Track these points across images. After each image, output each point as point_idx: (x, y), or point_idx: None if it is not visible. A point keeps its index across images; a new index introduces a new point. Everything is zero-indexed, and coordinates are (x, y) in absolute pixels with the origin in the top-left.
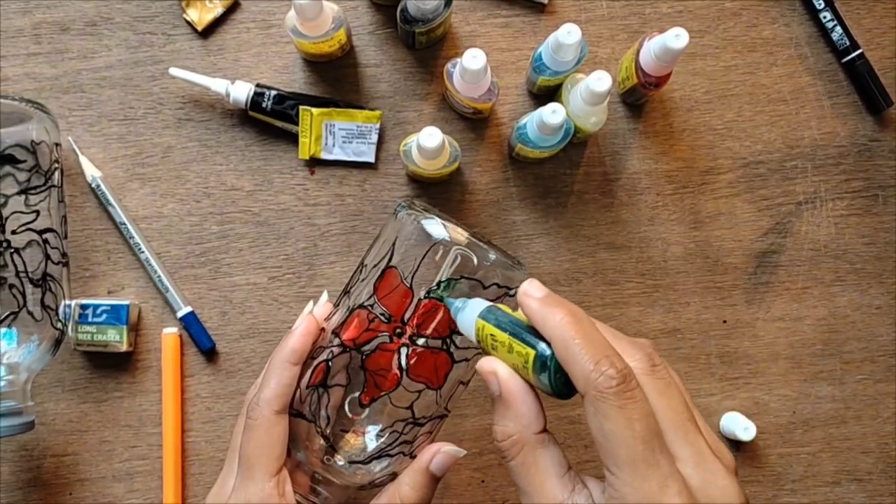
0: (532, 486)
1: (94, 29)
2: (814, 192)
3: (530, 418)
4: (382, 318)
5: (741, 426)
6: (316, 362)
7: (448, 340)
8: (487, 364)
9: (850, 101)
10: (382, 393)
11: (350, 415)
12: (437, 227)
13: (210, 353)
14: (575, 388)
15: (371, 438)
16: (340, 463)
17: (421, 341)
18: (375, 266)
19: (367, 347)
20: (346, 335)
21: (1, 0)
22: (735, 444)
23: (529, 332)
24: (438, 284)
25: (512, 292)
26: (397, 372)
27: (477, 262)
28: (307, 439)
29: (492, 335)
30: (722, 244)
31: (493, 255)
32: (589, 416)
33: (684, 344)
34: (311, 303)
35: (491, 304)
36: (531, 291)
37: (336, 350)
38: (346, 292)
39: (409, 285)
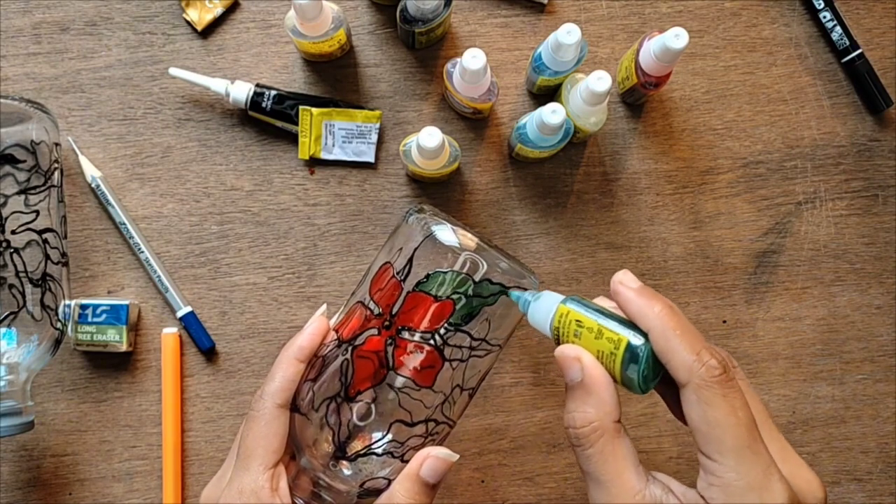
0: (609, 475)
1: (94, 29)
2: (814, 192)
3: (612, 406)
4: (373, 312)
5: None
6: (314, 359)
7: (437, 337)
8: (571, 350)
9: (850, 101)
10: (368, 386)
11: (358, 421)
12: (447, 233)
13: (210, 353)
14: (653, 383)
15: (376, 445)
16: (347, 472)
17: (408, 335)
18: (378, 266)
19: (357, 341)
20: (341, 330)
21: (1, 0)
22: None
23: (618, 321)
24: (427, 277)
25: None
26: (384, 365)
27: (487, 269)
28: (312, 444)
29: (577, 321)
30: (722, 244)
31: (503, 264)
32: (690, 405)
33: None
34: (324, 305)
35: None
36: (627, 282)
37: (331, 345)
38: (352, 295)
39: (399, 279)
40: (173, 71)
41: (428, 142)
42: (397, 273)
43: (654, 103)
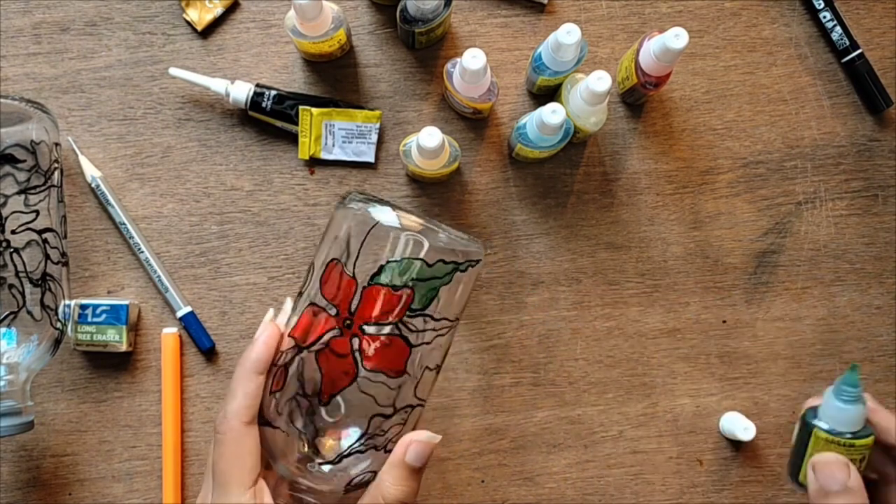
0: None
1: (94, 29)
2: (814, 192)
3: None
4: (330, 312)
5: (741, 426)
6: (275, 369)
7: (400, 325)
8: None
9: (850, 101)
10: (341, 388)
11: (328, 418)
12: (386, 214)
13: (210, 353)
14: None
15: (351, 440)
16: (325, 469)
17: (371, 329)
18: (323, 263)
19: (318, 344)
20: (299, 335)
21: (1, 0)
22: (735, 444)
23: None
24: (380, 269)
25: (463, 267)
26: (353, 364)
27: (429, 246)
28: (285, 450)
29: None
30: (722, 244)
31: (444, 236)
32: None
33: (684, 344)
34: (271, 310)
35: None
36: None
37: (291, 353)
38: (299, 294)
39: (352, 275)
40: (173, 71)
41: (428, 142)
42: (347, 267)
43: (654, 103)
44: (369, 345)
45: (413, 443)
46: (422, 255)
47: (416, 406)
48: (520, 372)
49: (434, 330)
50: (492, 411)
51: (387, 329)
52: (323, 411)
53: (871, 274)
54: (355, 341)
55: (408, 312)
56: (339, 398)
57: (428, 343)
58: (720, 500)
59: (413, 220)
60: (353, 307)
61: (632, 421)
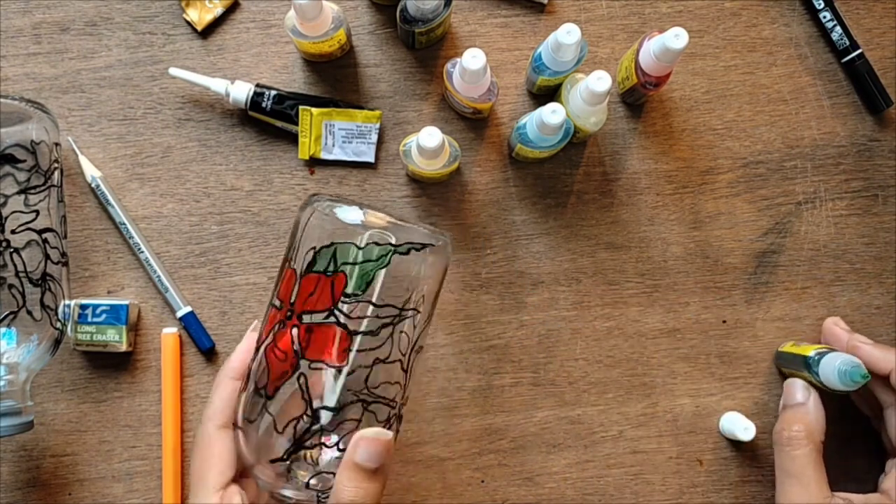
0: (807, 476)
1: (94, 29)
2: (813, 192)
3: (824, 426)
4: (278, 307)
5: (741, 426)
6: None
7: (335, 312)
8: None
9: (850, 101)
10: (284, 380)
11: (273, 413)
12: (350, 213)
13: (210, 353)
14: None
15: (305, 439)
16: (301, 477)
17: (308, 318)
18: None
19: (268, 341)
20: (261, 337)
21: (1, 0)
22: (735, 444)
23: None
24: (314, 258)
25: (402, 249)
26: (294, 355)
27: (396, 241)
28: (265, 466)
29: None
30: (722, 244)
31: (406, 232)
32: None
33: (684, 344)
34: (255, 321)
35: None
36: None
37: (255, 354)
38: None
39: (292, 267)
40: (173, 71)
41: (428, 142)
42: (292, 262)
43: (654, 103)
44: (305, 333)
45: (361, 440)
46: (358, 241)
47: (371, 402)
48: (520, 372)
49: (378, 317)
50: (492, 411)
51: (321, 316)
52: (273, 412)
53: (871, 274)
54: (294, 332)
55: (343, 298)
56: (297, 398)
57: (374, 333)
58: (720, 500)
59: (375, 216)
60: (293, 299)
61: (632, 421)
